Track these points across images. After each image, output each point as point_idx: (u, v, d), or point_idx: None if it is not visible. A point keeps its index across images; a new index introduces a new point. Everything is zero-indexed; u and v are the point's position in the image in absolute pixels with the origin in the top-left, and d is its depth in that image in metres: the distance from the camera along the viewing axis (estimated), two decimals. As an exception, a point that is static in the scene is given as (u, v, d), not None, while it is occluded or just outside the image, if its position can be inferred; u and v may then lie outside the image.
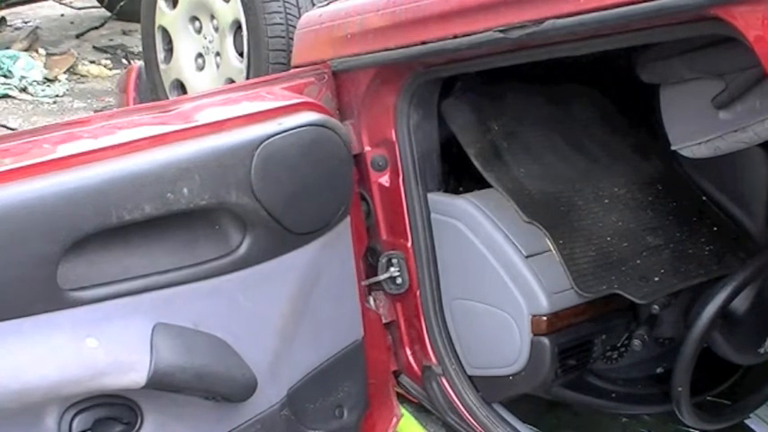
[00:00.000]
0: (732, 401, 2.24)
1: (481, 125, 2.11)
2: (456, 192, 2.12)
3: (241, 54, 2.47)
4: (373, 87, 2.01)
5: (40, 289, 1.45)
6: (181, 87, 2.74)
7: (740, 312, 1.93)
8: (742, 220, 2.22)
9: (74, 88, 6.20)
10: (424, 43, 1.79)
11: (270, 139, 1.71)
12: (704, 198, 2.26)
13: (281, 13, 2.33)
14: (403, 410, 2.20)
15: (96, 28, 7.43)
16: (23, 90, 5.97)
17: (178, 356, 1.58)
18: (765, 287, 1.95)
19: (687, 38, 1.60)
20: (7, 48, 6.46)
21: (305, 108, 1.86)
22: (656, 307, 2.05)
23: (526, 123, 2.18)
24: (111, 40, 7.26)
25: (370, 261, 2.12)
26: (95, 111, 5.63)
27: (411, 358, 2.15)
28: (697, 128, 1.97)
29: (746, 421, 2.24)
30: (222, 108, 1.81)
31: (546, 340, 1.91)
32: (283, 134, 1.74)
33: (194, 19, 2.66)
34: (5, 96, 5.83)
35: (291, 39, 2.26)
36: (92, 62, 6.69)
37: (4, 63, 6.06)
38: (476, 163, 2.04)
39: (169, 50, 2.75)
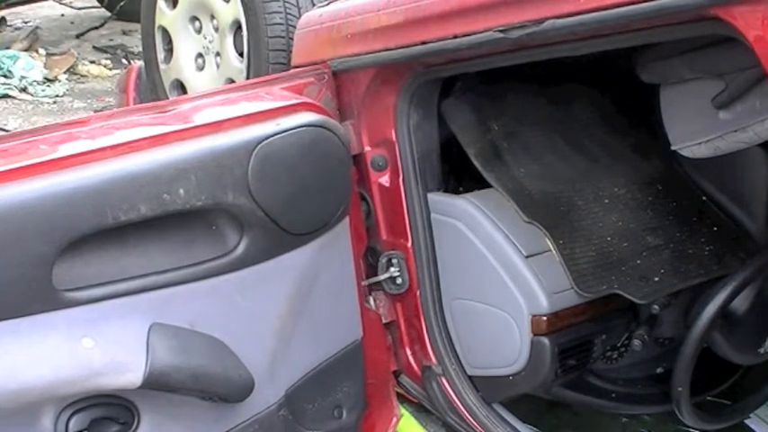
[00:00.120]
0: (732, 401, 2.24)
1: (481, 125, 2.11)
2: (456, 192, 2.11)
3: (241, 54, 2.46)
4: (373, 87, 2.01)
5: (37, 289, 1.45)
6: (181, 87, 2.74)
7: (740, 312, 1.93)
8: (742, 220, 2.22)
9: (74, 88, 6.19)
10: (423, 43, 1.79)
11: (267, 140, 1.71)
12: (704, 198, 2.26)
13: (281, 13, 2.32)
14: (403, 410, 2.20)
15: (96, 28, 7.43)
16: (23, 90, 5.96)
17: (174, 357, 1.58)
18: (765, 287, 1.95)
19: (687, 38, 1.59)
20: (7, 48, 6.46)
21: (303, 108, 1.85)
22: (656, 307, 2.05)
23: (526, 123, 2.18)
24: (111, 40, 7.26)
25: (370, 261, 2.12)
26: (95, 111, 5.63)
27: (411, 358, 2.15)
28: (697, 128, 1.97)
29: (746, 421, 2.24)
30: (220, 108, 1.81)
31: (546, 340, 1.92)
32: (281, 135, 1.74)
33: (194, 19, 2.66)
34: (5, 96, 5.83)
35: (291, 39, 2.26)
36: (92, 62, 6.68)
37: (4, 63, 6.05)
38: (476, 163, 2.04)
39: (169, 50, 2.75)
